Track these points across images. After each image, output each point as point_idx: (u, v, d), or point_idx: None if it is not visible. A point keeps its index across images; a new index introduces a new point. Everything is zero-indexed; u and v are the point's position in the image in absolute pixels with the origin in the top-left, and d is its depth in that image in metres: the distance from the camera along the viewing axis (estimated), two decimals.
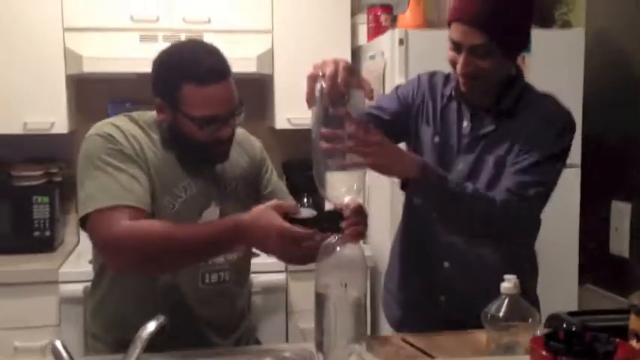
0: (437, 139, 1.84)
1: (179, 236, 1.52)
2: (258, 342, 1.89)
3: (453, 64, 1.75)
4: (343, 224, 1.47)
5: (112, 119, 1.68)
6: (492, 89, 1.78)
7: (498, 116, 1.79)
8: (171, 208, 1.63)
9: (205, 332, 1.70)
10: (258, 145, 1.90)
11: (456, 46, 1.72)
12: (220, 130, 1.61)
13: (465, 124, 1.82)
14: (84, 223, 1.57)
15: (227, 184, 1.74)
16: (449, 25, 1.74)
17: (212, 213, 1.69)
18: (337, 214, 1.46)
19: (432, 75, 1.91)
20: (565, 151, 1.77)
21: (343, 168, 1.46)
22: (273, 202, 1.52)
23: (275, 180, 1.89)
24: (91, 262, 2.77)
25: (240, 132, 1.83)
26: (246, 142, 1.86)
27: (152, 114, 1.71)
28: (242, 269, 1.81)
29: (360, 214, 1.50)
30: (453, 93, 1.84)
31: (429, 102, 1.88)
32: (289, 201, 1.84)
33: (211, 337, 1.71)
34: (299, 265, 1.60)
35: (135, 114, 1.72)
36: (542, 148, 1.72)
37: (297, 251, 1.47)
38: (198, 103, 1.57)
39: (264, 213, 1.48)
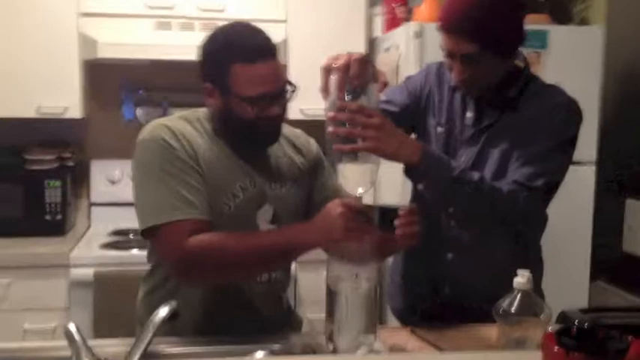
0: (440, 130, 1.84)
1: (248, 249, 1.54)
2: None
3: (450, 69, 1.74)
4: (396, 223, 1.49)
5: (163, 120, 1.66)
6: (495, 85, 1.76)
7: (502, 108, 1.77)
8: (228, 208, 1.62)
9: (254, 330, 1.69)
10: (315, 144, 1.86)
11: (449, 54, 1.71)
12: (270, 109, 1.60)
13: (469, 115, 1.81)
14: (145, 231, 1.57)
15: (282, 184, 1.72)
16: (440, 31, 1.71)
17: (266, 212, 1.68)
18: (391, 213, 1.47)
19: (441, 65, 1.89)
20: (572, 139, 1.75)
21: (342, 150, 1.45)
22: (336, 200, 1.52)
23: (332, 186, 1.78)
24: (102, 247, 2.84)
25: (296, 132, 1.83)
26: (302, 141, 1.83)
27: (203, 111, 1.70)
28: (288, 268, 1.84)
29: (414, 215, 1.51)
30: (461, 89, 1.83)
31: (436, 93, 1.87)
32: None
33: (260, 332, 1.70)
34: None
35: (186, 113, 1.70)
36: (549, 138, 1.70)
37: (367, 231, 1.46)
38: (248, 81, 1.57)
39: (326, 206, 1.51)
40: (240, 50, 1.58)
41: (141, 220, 1.58)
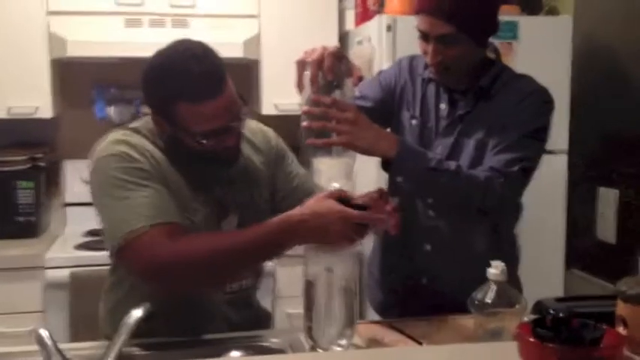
0: (414, 122, 1.85)
1: (225, 247, 1.43)
2: None
3: (424, 53, 1.75)
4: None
5: (117, 135, 1.55)
6: (467, 73, 1.78)
7: (475, 98, 1.79)
8: (190, 222, 1.54)
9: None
10: (272, 135, 1.79)
11: (424, 36, 1.72)
12: (226, 140, 1.52)
13: (443, 106, 1.83)
14: (116, 250, 1.45)
15: (243, 190, 1.66)
16: (416, 15, 1.73)
17: (230, 222, 1.63)
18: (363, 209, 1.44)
19: (413, 58, 1.90)
20: (545, 127, 1.76)
21: (315, 145, 1.45)
22: (326, 191, 1.44)
23: (301, 172, 1.77)
24: (77, 247, 2.81)
25: (252, 127, 1.74)
26: (257, 136, 1.75)
27: (151, 123, 1.60)
28: (259, 273, 1.78)
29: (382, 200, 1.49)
30: (431, 76, 1.83)
31: (409, 86, 1.88)
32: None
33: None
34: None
35: (138, 125, 1.60)
36: (522, 126, 1.71)
37: (361, 234, 1.42)
38: (197, 120, 1.47)
39: (320, 202, 1.41)
40: (185, 89, 1.45)
41: (110, 237, 1.46)
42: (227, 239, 1.47)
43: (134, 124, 1.61)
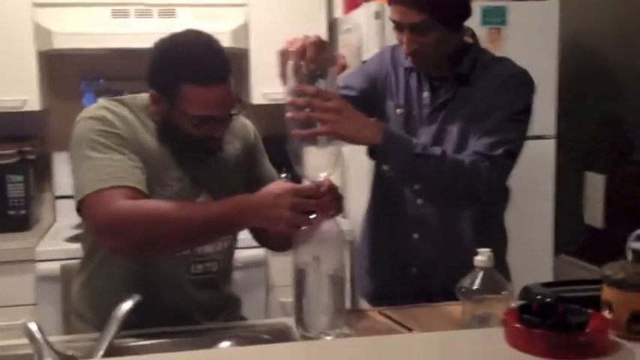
0: (399, 111, 1.85)
1: (181, 214, 1.47)
2: (242, 318, 1.89)
3: (400, 43, 1.75)
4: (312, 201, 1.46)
5: (103, 102, 1.62)
6: (445, 59, 1.78)
7: (455, 84, 1.79)
8: (158, 196, 1.58)
9: (192, 315, 1.68)
10: (251, 127, 1.85)
11: (398, 26, 1.72)
12: (215, 130, 1.59)
13: (425, 94, 1.83)
14: (80, 206, 1.52)
15: (219, 175, 1.70)
16: (389, 5, 1.73)
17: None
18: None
19: (395, 48, 1.90)
20: (526, 108, 1.76)
21: (301, 136, 1.45)
22: (288, 184, 1.48)
23: (267, 167, 1.85)
24: (68, 240, 2.81)
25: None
26: (238, 127, 1.79)
27: (142, 98, 1.66)
28: (228, 261, 1.79)
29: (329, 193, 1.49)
30: (412, 65, 1.83)
31: (392, 75, 1.88)
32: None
33: (198, 319, 1.69)
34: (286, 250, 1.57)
35: (126, 98, 1.66)
36: (504, 109, 1.72)
37: (307, 219, 1.44)
38: (197, 103, 1.54)
39: (274, 184, 1.49)
40: (193, 71, 1.53)
41: (76, 194, 1.53)
42: (179, 208, 1.50)
43: (122, 98, 1.66)
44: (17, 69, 2.89)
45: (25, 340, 1.34)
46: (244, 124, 1.83)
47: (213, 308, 1.74)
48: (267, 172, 1.84)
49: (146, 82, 1.61)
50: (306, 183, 1.51)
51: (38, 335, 1.26)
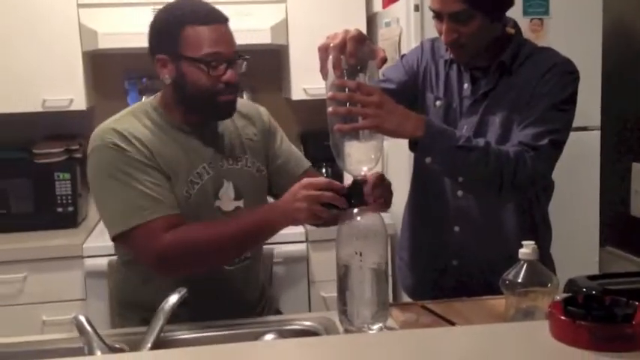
0: (438, 103, 1.84)
1: (219, 233, 1.56)
2: (279, 312, 1.92)
3: (440, 33, 1.74)
4: (367, 196, 1.48)
5: (112, 120, 1.65)
6: (485, 49, 1.76)
7: (497, 75, 1.77)
8: (189, 196, 1.63)
9: (230, 308, 1.71)
10: (264, 112, 1.88)
11: (438, 15, 1.71)
12: (225, 74, 1.61)
13: (466, 86, 1.82)
14: (119, 237, 1.58)
15: (237, 159, 1.74)
16: None
17: (228, 190, 1.70)
18: (360, 187, 1.47)
19: (435, 40, 1.90)
20: (571, 97, 1.74)
21: (343, 130, 1.45)
22: (304, 180, 1.52)
23: (287, 149, 1.87)
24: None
25: (243, 102, 1.83)
26: (251, 112, 1.84)
27: (150, 100, 1.71)
28: (257, 250, 1.84)
29: (380, 184, 1.51)
30: (452, 57, 1.82)
31: (432, 68, 1.87)
32: (307, 168, 1.86)
33: (235, 312, 1.71)
34: (328, 226, 1.59)
35: (133, 108, 1.71)
36: (548, 98, 1.70)
37: (324, 210, 1.47)
38: (202, 42, 1.58)
39: (293, 188, 1.51)
40: (191, 13, 1.59)
41: (110, 227, 1.58)
42: (216, 227, 1.58)
43: (132, 107, 1.71)
44: (64, 69, 2.96)
45: (74, 334, 1.38)
46: (257, 109, 1.87)
47: (250, 301, 1.78)
48: (287, 152, 1.87)
49: (150, 55, 1.66)
50: (348, 178, 1.52)
51: (88, 328, 1.29)
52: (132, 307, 1.74)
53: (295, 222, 1.53)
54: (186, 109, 1.66)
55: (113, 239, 1.60)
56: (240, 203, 1.72)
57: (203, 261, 1.58)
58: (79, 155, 3.14)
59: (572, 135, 1.76)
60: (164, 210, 1.56)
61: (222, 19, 1.62)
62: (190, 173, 1.64)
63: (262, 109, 1.88)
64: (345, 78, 1.45)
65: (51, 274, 2.77)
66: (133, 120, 1.64)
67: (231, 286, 1.73)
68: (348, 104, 1.46)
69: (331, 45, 1.44)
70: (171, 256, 1.54)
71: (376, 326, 1.47)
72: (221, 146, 1.72)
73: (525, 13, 2.61)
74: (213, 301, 1.67)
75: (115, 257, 2.63)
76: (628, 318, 1.13)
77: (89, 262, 2.74)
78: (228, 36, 1.62)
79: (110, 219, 1.58)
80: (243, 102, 1.84)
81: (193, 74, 1.60)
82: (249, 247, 1.67)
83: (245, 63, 1.67)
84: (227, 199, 1.70)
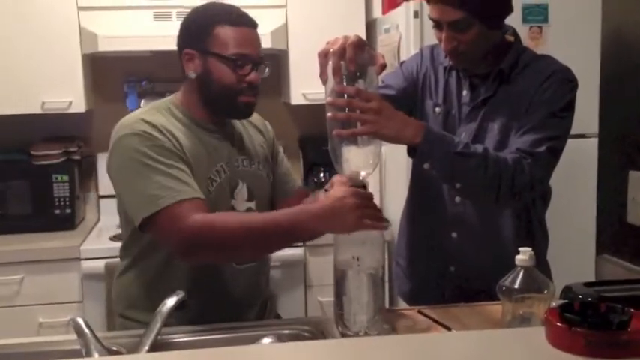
0: (437, 110, 1.85)
1: (256, 225, 1.53)
2: (277, 316, 1.92)
3: (440, 41, 1.75)
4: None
5: (139, 114, 1.65)
6: (485, 57, 1.77)
7: (496, 82, 1.78)
8: (208, 193, 1.64)
9: (231, 308, 1.72)
10: (270, 129, 1.94)
11: (437, 24, 1.72)
12: (250, 74, 1.65)
13: (465, 92, 1.83)
14: (144, 224, 1.55)
15: (251, 161, 1.77)
16: (427, 3, 1.73)
17: (242, 191, 1.72)
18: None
19: (434, 47, 1.91)
20: (569, 105, 1.75)
21: (342, 136, 1.46)
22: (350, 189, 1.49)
23: (287, 166, 1.94)
24: (112, 239, 2.87)
25: (255, 115, 1.84)
26: (260, 123, 1.90)
27: (170, 98, 1.73)
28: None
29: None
30: (452, 64, 1.83)
31: (432, 74, 1.88)
32: (299, 186, 1.94)
33: (236, 313, 1.73)
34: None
35: (156, 104, 1.72)
36: (546, 105, 1.71)
37: (374, 212, 1.47)
38: (231, 41, 1.63)
39: (335, 190, 1.50)
40: (224, 14, 1.65)
41: (138, 212, 1.55)
42: (250, 217, 1.59)
43: (154, 104, 1.73)
44: (63, 71, 2.97)
45: (70, 336, 1.38)
46: (264, 122, 1.92)
47: (251, 300, 1.79)
48: (286, 169, 1.93)
49: (179, 49, 1.69)
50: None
51: (86, 330, 1.30)
52: (136, 310, 1.74)
53: (345, 230, 1.48)
54: (207, 105, 1.70)
55: (140, 225, 1.56)
56: (252, 205, 1.74)
57: (229, 248, 1.54)
58: (77, 157, 3.15)
59: (570, 142, 1.77)
60: (193, 193, 1.56)
61: (252, 24, 1.68)
62: (210, 171, 1.67)
63: (268, 125, 1.94)
64: (345, 84, 1.46)
65: (48, 276, 2.77)
66: (159, 114, 1.66)
67: (236, 287, 1.73)
68: (347, 110, 1.46)
69: (331, 51, 1.45)
70: (199, 238, 1.51)
71: (373, 331, 1.47)
72: (237, 147, 1.76)
73: (524, 20, 2.63)
74: (216, 300, 1.68)
75: (112, 260, 2.68)
76: (623, 325, 1.14)
77: (86, 265, 2.75)
78: (255, 40, 1.68)
79: (138, 204, 1.56)
80: (257, 117, 1.89)
81: (219, 71, 1.64)
82: (276, 244, 1.63)
83: (267, 69, 1.72)
84: (241, 200, 1.72)
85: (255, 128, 1.85)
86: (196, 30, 1.66)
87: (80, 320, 1.32)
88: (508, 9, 1.74)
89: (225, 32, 1.63)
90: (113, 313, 2.51)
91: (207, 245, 1.52)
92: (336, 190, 1.50)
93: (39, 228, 3.00)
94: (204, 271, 1.67)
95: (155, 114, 1.65)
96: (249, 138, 1.81)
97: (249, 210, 1.73)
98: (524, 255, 1.41)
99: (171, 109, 1.69)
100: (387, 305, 1.54)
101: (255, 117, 1.85)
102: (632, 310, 1.18)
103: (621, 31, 2.84)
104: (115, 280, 1.82)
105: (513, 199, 1.69)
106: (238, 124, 1.80)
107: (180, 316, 1.54)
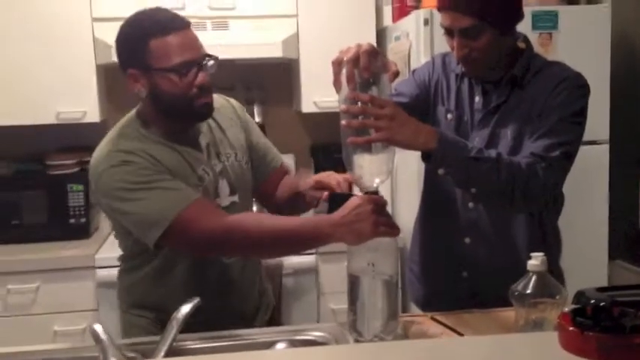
0: (450, 116, 1.86)
1: (283, 231, 1.57)
2: (273, 319, 1.97)
3: (452, 48, 1.77)
4: None
5: (110, 145, 1.67)
6: (497, 63, 1.78)
7: (508, 88, 1.79)
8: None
9: (229, 298, 1.79)
10: (237, 105, 1.92)
11: (449, 31, 1.74)
12: (197, 77, 1.63)
13: (477, 99, 1.84)
14: (161, 237, 1.58)
15: (227, 156, 1.79)
16: (439, 11, 1.76)
17: (223, 187, 1.76)
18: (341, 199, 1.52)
19: (446, 55, 1.92)
20: (582, 110, 1.76)
21: (356, 143, 1.47)
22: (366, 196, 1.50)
23: (264, 142, 1.93)
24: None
25: (219, 100, 1.86)
26: (223, 106, 1.87)
27: (128, 118, 1.75)
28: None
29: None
30: (464, 70, 1.85)
31: (444, 82, 1.90)
32: (282, 161, 1.94)
33: (236, 302, 1.80)
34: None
35: (122, 130, 1.72)
36: (559, 111, 1.71)
37: (388, 219, 1.49)
38: (169, 52, 1.60)
39: (351, 201, 1.51)
40: (153, 25, 1.62)
41: (149, 232, 1.58)
42: (281, 223, 1.60)
43: (121, 130, 1.72)
44: (78, 82, 3.00)
45: (85, 343, 1.39)
46: (231, 104, 1.90)
47: (247, 296, 1.85)
48: (265, 146, 1.91)
49: (121, 70, 1.69)
50: (359, 190, 1.54)
51: (103, 336, 1.31)
52: (142, 308, 1.77)
53: (362, 237, 1.48)
54: (166, 118, 1.69)
55: (156, 244, 1.60)
56: (235, 198, 1.78)
57: (253, 251, 1.63)
58: None
59: (582, 149, 1.78)
60: (192, 195, 1.60)
61: (185, 25, 1.64)
62: (193, 178, 1.69)
63: (234, 102, 1.91)
64: (358, 91, 1.47)
65: (63, 285, 2.80)
66: (129, 140, 1.67)
67: (229, 278, 1.78)
68: (361, 117, 1.48)
69: (345, 59, 1.46)
70: (233, 232, 1.57)
71: (386, 337, 1.48)
72: (212, 145, 1.77)
73: (534, 27, 2.64)
74: (215, 292, 1.73)
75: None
76: (636, 329, 1.14)
77: (101, 273, 2.77)
78: (193, 40, 1.65)
79: (146, 226, 1.59)
80: (219, 101, 1.86)
81: (167, 84, 1.63)
82: (295, 250, 1.76)
83: (214, 63, 1.69)
84: (224, 196, 1.76)
85: (223, 116, 1.83)
86: (131, 48, 1.64)
87: (97, 327, 1.34)
88: (519, 15, 1.76)
89: (160, 44, 1.60)
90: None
91: (234, 247, 1.60)
92: (352, 199, 1.51)
93: (55, 237, 3.02)
94: (198, 267, 1.72)
95: (126, 140, 1.67)
96: (222, 131, 1.81)
97: (232, 204, 1.76)
98: (536, 260, 1.42)
99: (139, 131, 1.70)
100: (400, 311, 1.54)
101: (223, 103, 1.86)
102: None
103: (630, 38, 2.84)
104: (120, 280, 1.87)
105: (527, 204, 1.70)
106: (207, 121, 1.78)
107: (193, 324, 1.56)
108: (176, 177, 1.64)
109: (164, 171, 1.63)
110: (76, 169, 3.10)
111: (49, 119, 3.00)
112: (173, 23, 1.62)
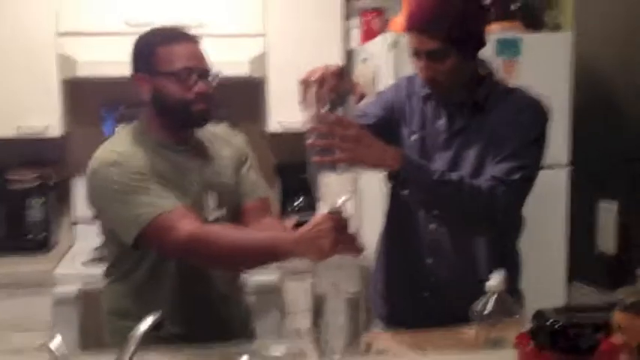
0: (414, 137, 1.89)
1: (245, 245, 1.62)
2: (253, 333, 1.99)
3: (418, 70, 1.81)
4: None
5: (108, 145, 1.77)
6: (461, 86, 1.82)
7: (471, 112, 1.83)
8: (185, 205, 1.70)
9: (213, 303, 1.82)
10: (243, 138, 2.00)
11: (415, 53, 1.78)
12: (198, 85, 1.73)
13: (441, 121, 1.87)
14: (137, 241, 1.66)
15: (219, 174, 1.84)
16: (406, 33, 1.79)
17: (211, 201, 1.81)
18: None
19: (411, 78, 1.95)
20: (542, 135, 1.81)
21: (321, 162, 1.49)
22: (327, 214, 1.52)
23: (250, 175, 1.95)
24: (85, 264, 2.84)
25: (222, 128, 1.96)
26: (229, 135, 1.97)
27: (135, 125, 1.83)
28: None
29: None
30: (428, 92, 1.88)
31: (407, 103, 1.93)
32: (263, 196, 1.95)
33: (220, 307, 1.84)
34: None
35: (122, 133, 1.82)
36: (520, 135, 1.76)
37: (349, 237, 1.49)
38: (174, 57, 1.72)
39: (314, 221, 1.51)
40: (164, 35, 1.76)
41: (128, 231, 1.66)
42: (243, 237, 1.65)
43: (121, 133, 1.83)
44: (40, 95, 2.96)
45: None
46: (235, 134, 1.99)
47: (233, 322, 1.88)
48: (247, 177, 1.94)
49: (131, 73, 1.80)
50: (323, 209, 1.55)
51: (58, 353, 1.29)
52: (127, 317, 1.76)
53: (322, 254, 1.48)
54: (165, 122, 1.77)
55: (134, 244, 1.66)
56: (222, 212, 1.82)
57: (217, 262, 1.69)
58: (52, 182, 3.13)
59: (541, 173, 1.82)
60: (174, 202, 1.67)
61: (193, 39, 1.77)
62: (182, 187, 1.74)
63: (240, 136, 2.00)
64: (325, 111, 1.49)
65: (19, 300, 2.74)
66: (127, 144, 1.76)
67: (212, 285, 1.82)
68: (327, 137, 1.49)
69: (312, 79, 1.48)
70: (192, 248, 1.63)
71: (349, 356, 1.48)
72: (205, 160, 1.83)
73: (499, 53, 2.68)
74: (200, 299, 1.78)
75: (84, 286, 2.66)
76: (592, 349, 1.16)
77: (59, 289, 2.70)
78: (198, 53, 1.77)
79: (126, 225, 1.67)
80: (222, 128, 1.96)
81: (168, 87, 1.72)
82: (257, 264, 1.77)
83: (216, 76, 1.78)
84: (210, 209, 1.80)
85: (222, 140, 1.92)
86: (141, 54, 1.77)
87: (53, 343, 1.31)
88: (482, 41, 1.80)
89: (167, 50, 1.72)
90: (85, 339, 2.51)
91: (198, 256, 1.65)
92: (315, 217, 1.52)
93: (12, 252, 2.97)
94: (185, 279, 1.77)
95: (123, 144, 1.76)
96: (217, 151, 1.88)
97: (219, 218, 1.80)
98: (494, 280, 1.44)
99: (137, 137, 1.78)
100: (363, 329, 1.54)
101: (222, 130, 1.95)
102: (600, 335, 1.21)
103: (592, 65, 2.91)
104: (103, 292, 1.90)
105: (488, 226, 1.74)
106: (205, 140, 1.87)
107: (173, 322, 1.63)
108: (163, 184, 1.70)
109: (152, 177, 1.69)
110: (35, 184, 3.06)
111: (10, 132, 2.96)
112: (183, 36, 1.76)
